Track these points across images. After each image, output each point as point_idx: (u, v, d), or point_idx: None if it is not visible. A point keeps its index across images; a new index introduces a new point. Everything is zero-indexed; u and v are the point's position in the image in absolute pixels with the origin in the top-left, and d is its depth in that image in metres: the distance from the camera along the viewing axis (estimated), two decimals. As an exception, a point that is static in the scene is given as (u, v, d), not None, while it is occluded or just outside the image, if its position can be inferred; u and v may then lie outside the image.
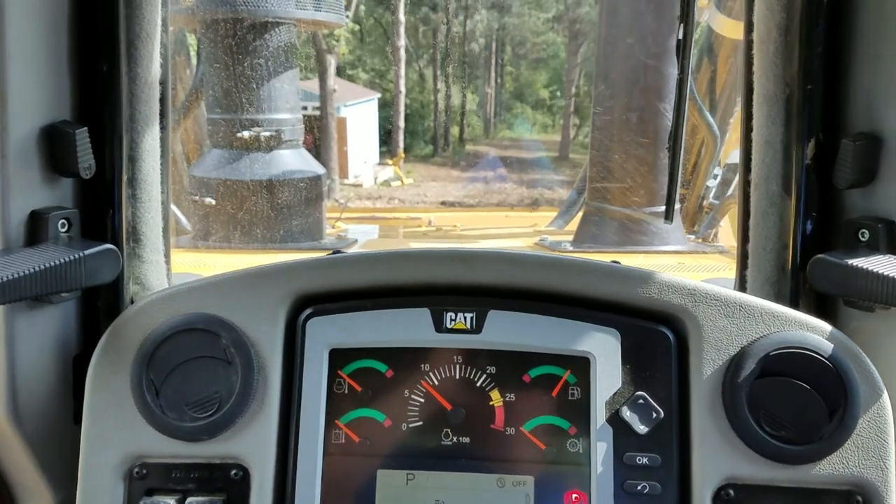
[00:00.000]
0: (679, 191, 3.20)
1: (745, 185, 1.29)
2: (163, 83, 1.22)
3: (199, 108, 2.98)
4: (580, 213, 3.32)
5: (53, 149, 1.06)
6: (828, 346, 1.03)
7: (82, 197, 1.13)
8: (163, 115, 1.22)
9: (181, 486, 1.05)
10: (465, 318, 1.09)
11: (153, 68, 1.18)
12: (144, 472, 1.05)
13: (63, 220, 1.07)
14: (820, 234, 1.20)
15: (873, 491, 1.02)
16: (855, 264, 1.02)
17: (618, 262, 1.13)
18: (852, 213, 1.17)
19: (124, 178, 1.16)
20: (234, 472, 1.05)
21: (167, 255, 1.28)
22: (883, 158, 1.11)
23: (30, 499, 1.18)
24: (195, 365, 1.05)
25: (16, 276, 0.92)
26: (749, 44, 1.25)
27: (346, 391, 1.08)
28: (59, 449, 1.14)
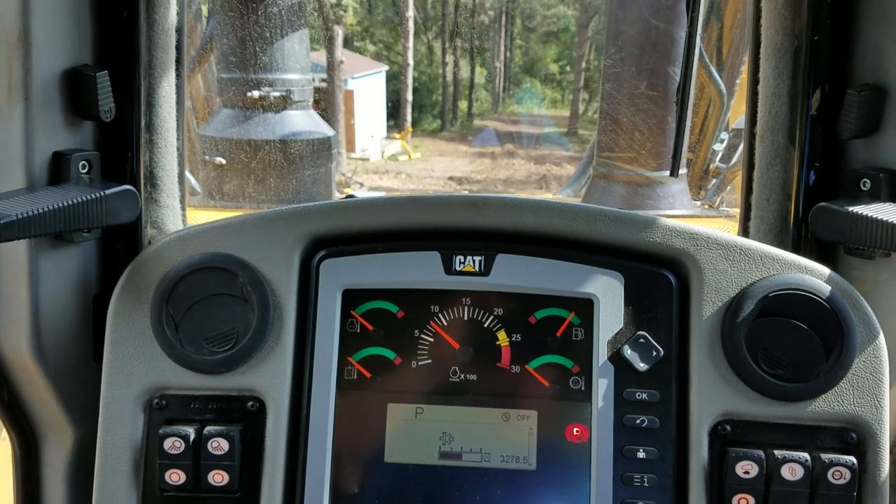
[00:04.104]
0: (685, 155, 3.20)
1: (751, 137, 1.31)
2: (179, 31, 1.24)
3: (209, 66, 3.00)
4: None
5: (75, 92, 1.09)
6: (826, 289, 1.06)
7: (102, 141, 1.16)
8: (178, 62, 1.25)
9: (199, 416, 1.09)
10: (473, 261, 1.12)
11: (170, 15, 1.20)
12: (164, 403, 1.09)
13: (84, 162, 1.10)
14: (823, 184, 1.23)
15: (867, 428, 1.05)
16: (856, 211, 1.04)
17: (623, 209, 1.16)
18: (855, 163, 1.19)
19: (142, 122, 1.19)
20: (250, 403, 1.09)
21: (183, 201, 1.31)
22: (887, 109, 1.13)
23: (52, 434, 1.22)
24: (213, 302, 1.09)
25: (39, 211, 0.95)
26: (758, -4, 1.26)
27: (359, 330, 1.12)
28: (79, 385, 1.18)
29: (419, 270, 1.12)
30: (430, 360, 1.12)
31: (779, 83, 1.23)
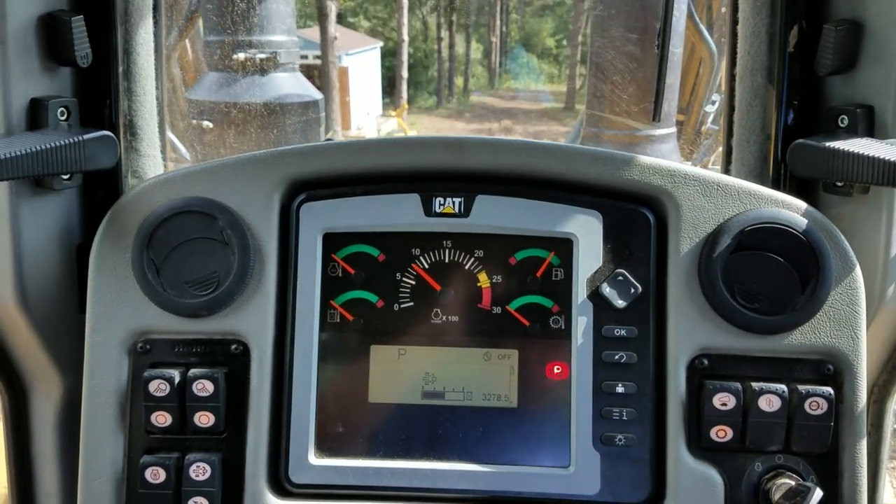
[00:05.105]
0: (676, 116, 3.19)
1: (731, 79, 1.31)
2: None
3: (197, 31, 2.98)
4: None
5: (51, 37, 1.08)
6: (802, 222, 1.06)
7: (80, 88, 1.16)
8: (156, 10, 1.24)
9: (184, 360, 1.10)
10: (453, 202, 1.12)
11: None
12: (148, 347, 1.10)
13: (62, 109, 1.10)
14: (802, 122, 1.23)
15: (843, 359, 1.06)
16: (833, 146, 1.05)
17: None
18: (833, 100, 1.19)
19: (120, 70, 1.18)
20: (234, 346, 1.10)
21: (163, 152, 1.31)
22: (864, 44, 1.12)
23: (40, 384, 1.23)
24: (193, 246, 1.09)
25: (18, 153, 0.95)
26: (736, -66, 1.25)
27: (340, 274, 1.13)
28: (66, 335, 1.19)
29: (399, 213, 1.12)
30: (411, 303, 1.13)
31: (757, 22, 1.23)
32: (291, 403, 1.09)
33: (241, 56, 2.86)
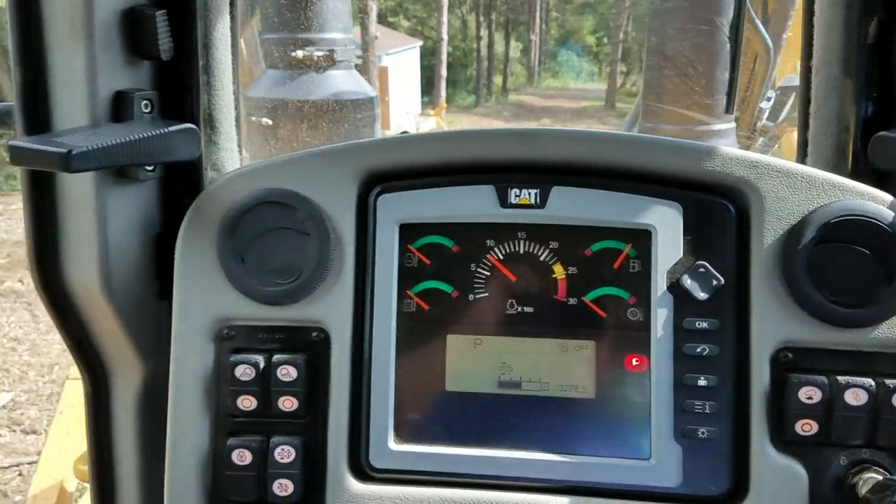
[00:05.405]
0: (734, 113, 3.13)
1: (807, 71, 1.29)
2: None
3: (252, 28, 3.03)
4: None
5: (135, 31, 1.11)
6: (888, 214, 1.04)
7: (161, 82, 1.19)
8: (232, 4, 1.27)
9: (265, 346, 1.13)
10: (529, 193, 1.12)
11: None
12: (232, 333, 1.13)
13: (146, 101, 1.13)
14: (881, 115, 1.20)
15: None
16: None
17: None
18: None
19: (200, 64, 1.21)
20: (314, 334, 1.12)
21: (240, 145, 1.34)
22: None
23: (121, 370, 1.26)
24: (275, 236, 1.11)
25: (106, 144, 0.98)
26: (812, -77, 1.23)
27: (416, 264, 1.14)
28: (146, 323, 1.22)
29: (474, 204, 1.13)
30: (486, 293, 1.13)
31: (833, 13, 1.21)
32: (371, 390, 1.11)
33: (300, 54, 2.90)
